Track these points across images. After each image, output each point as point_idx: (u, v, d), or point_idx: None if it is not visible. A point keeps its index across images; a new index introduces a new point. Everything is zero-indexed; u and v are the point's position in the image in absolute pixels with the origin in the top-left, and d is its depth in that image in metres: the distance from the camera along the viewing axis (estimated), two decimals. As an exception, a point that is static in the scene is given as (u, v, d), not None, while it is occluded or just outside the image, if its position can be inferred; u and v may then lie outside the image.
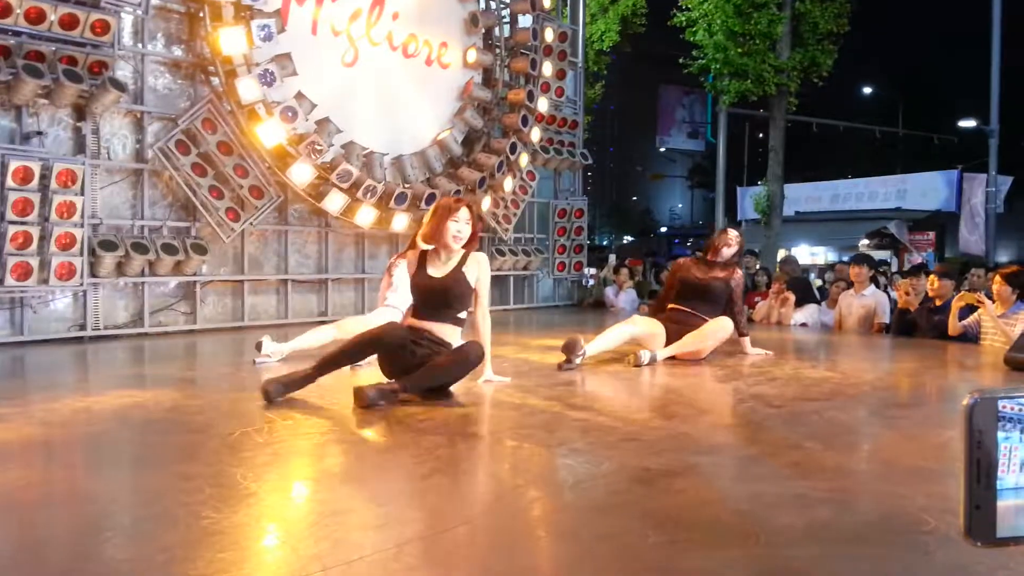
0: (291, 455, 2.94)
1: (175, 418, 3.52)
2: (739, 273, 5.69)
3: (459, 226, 4.03)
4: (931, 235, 23.14)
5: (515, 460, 2.96)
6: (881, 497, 2.49)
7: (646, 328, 5.36)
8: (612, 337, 5.26)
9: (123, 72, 6.65)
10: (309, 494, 2.55)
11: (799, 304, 7.85)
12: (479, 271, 4.15)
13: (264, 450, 2.93)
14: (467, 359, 3.91)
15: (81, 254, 6.16)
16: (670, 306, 5.61)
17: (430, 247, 4.17)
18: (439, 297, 4.08)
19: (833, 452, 3.04)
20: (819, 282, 11.78)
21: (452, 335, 4.10)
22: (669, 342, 5.33)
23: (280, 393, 3.73)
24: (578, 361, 4.90)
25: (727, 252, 5.63)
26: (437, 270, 4.10)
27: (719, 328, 5.33)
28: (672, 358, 5.26)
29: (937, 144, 25.12)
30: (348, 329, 5.03)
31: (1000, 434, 0.82)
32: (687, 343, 5.26)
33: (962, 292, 6.57)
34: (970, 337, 6.28)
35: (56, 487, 2.57)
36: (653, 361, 5.13)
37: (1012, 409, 0.82)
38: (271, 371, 4.88)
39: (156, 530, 2.11)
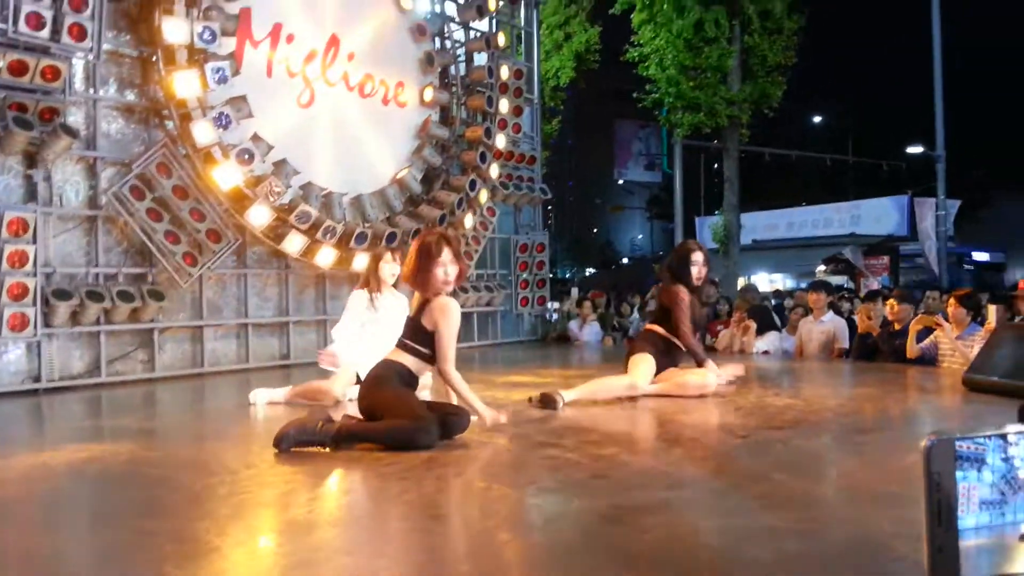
0: (255, 506, 2.87)
1: (134, 471, 3.43)
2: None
3: (445, 270, 3.81)
4: (885, 259, 23.64)
5: (484, 501, 2.93)
6: (849, 525, 2.50)
7: (646, 383, 5.17)
8: (608, 390, 5.09)
9: (75, 118, 6.56)
10: (274, 547, 2.49)
11: (760, 332, 7.95)
12: None
13: (227, 502, 2.86)
14: (407, 442, 3.59)
15: (34, 304, 6.01)
16: (662, 333, 5.30)
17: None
18: None
19: (799, 481, 3.06)
20: (772, 301, 11.93)
21: None
22: (657, 370, 5.19)
23: (291, 445, 3.56)
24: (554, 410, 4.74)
25: (702, 277, 5.41)
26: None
27: (704, 385, 5.11)
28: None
29: (886, 170, 25.76)
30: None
31: (958, 474, 0.82)
32: (670, 389, 5.13)
33: (920, 315, 6.69)
34: (927, 359, 6.39)
35: (10, 547, 2.48)
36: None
37: (970, 448, 0.82)
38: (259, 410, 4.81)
39: (115, 592, 2.04)
